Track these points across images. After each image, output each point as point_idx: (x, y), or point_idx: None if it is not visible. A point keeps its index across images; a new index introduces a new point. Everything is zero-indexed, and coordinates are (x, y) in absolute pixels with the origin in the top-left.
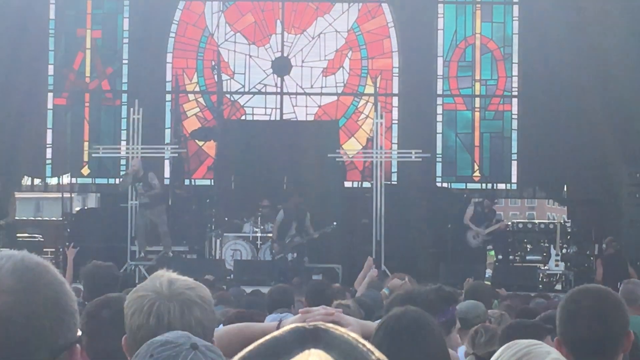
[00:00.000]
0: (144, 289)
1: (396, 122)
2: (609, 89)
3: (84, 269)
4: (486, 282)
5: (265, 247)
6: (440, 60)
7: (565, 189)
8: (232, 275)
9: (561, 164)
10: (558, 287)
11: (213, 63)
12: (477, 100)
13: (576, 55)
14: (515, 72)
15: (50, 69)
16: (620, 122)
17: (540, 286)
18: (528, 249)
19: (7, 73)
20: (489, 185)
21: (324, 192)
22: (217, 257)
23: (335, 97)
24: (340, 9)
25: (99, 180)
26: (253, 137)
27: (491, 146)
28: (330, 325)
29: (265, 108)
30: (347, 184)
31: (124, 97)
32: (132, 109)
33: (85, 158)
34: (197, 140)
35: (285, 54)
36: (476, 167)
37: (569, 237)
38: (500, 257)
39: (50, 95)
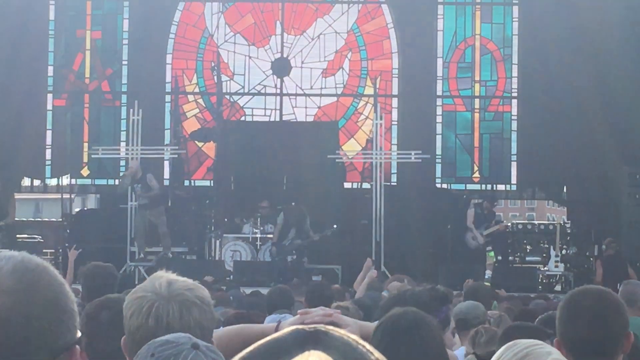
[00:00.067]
0: (143, 289)
1: (396, 123)
2: (608, 89)
3: (83, 269)
4: (486, 283)
5: (265, 248)
6: (439, 61)
7: (564, 190)
8: (231, 276)
9: (561, 165)
10: (558, 288)
11: (213, 64)
12: (477, 101)
13: (576, 56)
14: (514, 73)
15: (50, 70)
16: (620, 123)
17: (540, 287)
18: (528, 250)
19: (7, 74)
20: (489, 186)
21: (324, 193)
22: (217, 258)
23: (334, 98)
24: (340, 10)
25: (98, 181)
26: (253, 138)
27: (491, 147)
28: (330, 327)
29: (265, 109)
30: (347, 185)
31: (124, 98)
32: (131, 110)
33: (85, 159)
34: (196, 141)
35: (284, 55)
36: (476, 168)
37: (568, 238)
38: (499, 258)
39: (49, 96)
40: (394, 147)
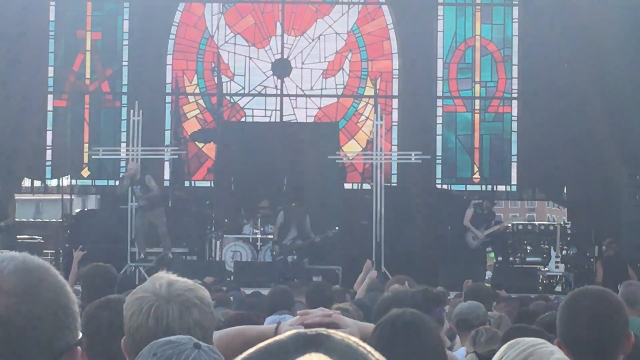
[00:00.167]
0: (143, 290)
1: (396, 123)
2: (608, 90)
3: (82, 270)
4: (486, 284)
5: (265, 249)
6: (440, 62)
7: (565, 190)
8: (232, 277)
9: (561, 166)
10: (558, 288)
11: (213, 65)
12: (477, 102)
13: (576, 57)
14: (515, 73)
15: (50, 71)
16: (620, 124)
17: (540, 288)
18: (528, 251)
19: (7, 75)
20: (489, 187)
21: (324, 193)
22: (217, 259)
23: (335, 99)
24: (340, 10)
25: (98, 182)
26: (253, 139)
27: (491, 148)
28: (332, 330)
29: (265, 110)
30: (347, 186)
31: (124, 98)
32: (132, 111)
33: (85, 160)
34: (197, 142)
35: (285, 56)
36: (476, 169)
37: (569, 238)
38: (500, 258)
39: (50, 96)
40: (394, 148)
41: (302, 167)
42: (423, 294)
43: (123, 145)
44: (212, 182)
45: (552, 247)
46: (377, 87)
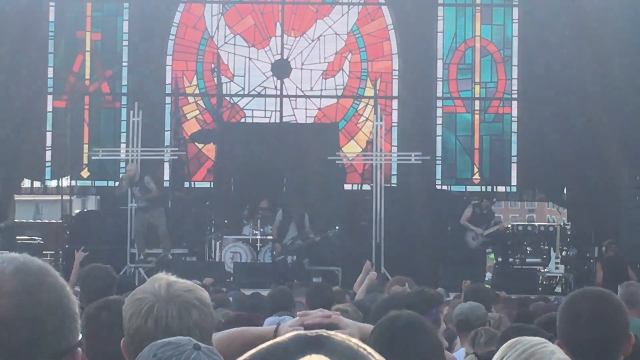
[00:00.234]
0: (142, 291)
1: (396, 124)
2: (609, 91)
3: (81, 271)
4: (486, 285)
5: (265, 250)
6: (440, 63)
7: (565, 191)
8: (231, 278)
9: (561, 167)
10: (558, 289)
11: (213, 65)
12: (477, 102)
13: (576, 58)
14: (515, 74)
15: (50, 72)
16: (621, 125)
17: (540, 289)
18: (528, 252)
19: (7, 75)
20: (489, 188)
21: (324, 194)
22: (217, 260)
23: (335, 100)
24: (340, 11)
25: (98, 183)
26: (253, 140)
27: (491, 149)
28: (332, 332)
29: (265, 110)
30: (347, 187)
31: (124, 99)
32: (131, 112)
33: (85, 160)
34: (196, 143)
35: (285, 57)
36: (476, 170)
37: (568, 239)
38: (499, 259)
39: (49, 97)
40: (394, 149)
41: (302, 168)
42: (419, 295)
43: (123, 146)
44: (212, 183)
45: (552, 248)
46: (377, 88)
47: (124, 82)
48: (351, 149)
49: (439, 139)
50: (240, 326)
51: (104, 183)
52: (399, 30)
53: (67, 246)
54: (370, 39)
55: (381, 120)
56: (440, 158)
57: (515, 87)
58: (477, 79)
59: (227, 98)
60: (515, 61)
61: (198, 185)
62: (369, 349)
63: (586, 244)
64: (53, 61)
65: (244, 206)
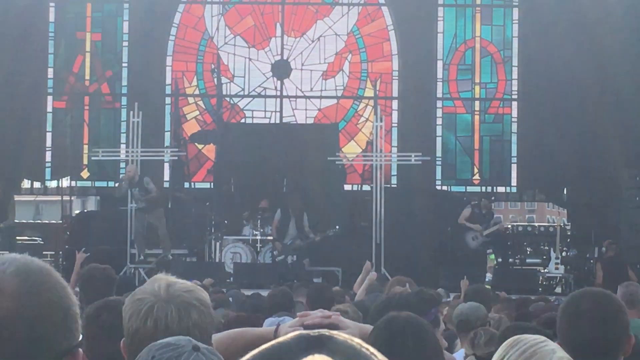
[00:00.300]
0: (142, 292)
1: (396, 125)
2: (609, 91)
3: (81, 271)
4: (486, 286)
5: (265, 250)
6: (440, 63)
7: (565, 191)
8: (231, 278)
9: (561, 167)
10: (558, 290)
11: (213, 66)
12: (477, 103)
13: (576, 58)
14: (515, 75)
15: (50, 72)
16: (621, 125)
17: (540, 289)
18: (528, 252)
19: (7, 76)
20: (489, 188)
21: (324, 195)
22: (217, 260)
23: (335, 100)
24: (340, 12)
25: (98, 183)
26: (253, 140)
27: (491, 149)
28: (335, 332)
29: (265, 111)
30: (347, 187)
31: (124, 100)
32: (131, 112)
33: (85, 161)
34: (196, 144)
35: (285, 57)
36: (476, 170)
37: (568, 240)
38: (500, 260)
39: (50, 98)
40: (394, 149)
41: (302, 169)
42: (418, 295)
43: (123, 146)
44: (212, 184)
45: (552, 249)
46: (377, 89)
47: (124, 82)
48: (351, 150)
49: (439, 139)
50: (240, 327)
51: (104, 183)
52: (399, 31)
53: (67, 247)
54: (370, 39)
55: (381, 120)
56: (440, 159)
57: (515, 88)
58: (477, 80)
59: (227, 99)
60: (515, 62)
61: (198, 185)
62: (372, 349)
63: (586, 245)
64: (53, 62)
65: (244, 207)
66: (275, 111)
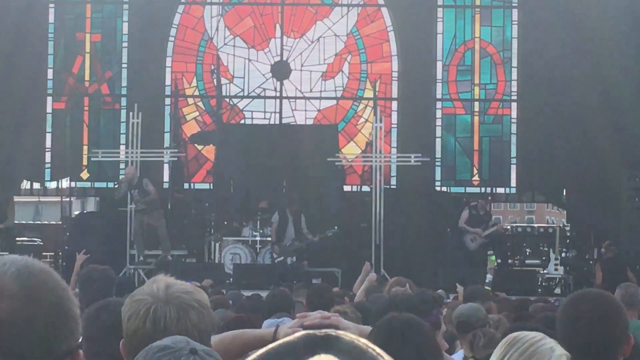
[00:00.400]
0: (141, 293)
1: (395, 126)
2: (608, 92)
3: (81, 272)
4: (486, 287)
5: (264, 251)
6: (439, 64)
7: (564, 192)
8: (231, 279)
9: (560, 168)
10: (557, 291)
11: (212, 67)
12: (477, 104)
13: (576, 59)
14: (514, 76)
15: (50, 73)
16: (620, 126)
17: (540, 290)
18: (527, 253)
19: (7, 77)
20: (488, 189)
21: (323, 196)
22: (217, 261)
23: (334, 101)
24: (340, 12)
25: (98, 184)
26: (252, 141)
27: (490, 150)
28: (341, 332)
29: (265, 112)
30: (347, 188)
31: (123, 101)
32: (131, 113)
33: (85, 162)
34: (196, 144)
35: (284, 58)
36: (475, 171)
37: (568, 241)
38: (499, 261)
39: (49, 99)
40: (394, 150)
41: (301, 170)
42: (419, 296)
43: (122, 147)
44: (212, 185)
45: (551, 250)
46: (377, 90)
47: (124, 83)
48: (351, 151)
49: (438, 140)
50: (240, 328)
51: (103, 184)
52: (399, 32)
53: (66, 247)
54: (369, 40)
55: (381, 121)
56: (439, 159)
57: (514, 89)
58: (476, 81)
59: (227, 99)
60: (514, 63)
61: (197, 186)
62: (378, 350)
63: (585, 246)
64: (53, 62)
65: (244, 207)
66: (275, 112)
